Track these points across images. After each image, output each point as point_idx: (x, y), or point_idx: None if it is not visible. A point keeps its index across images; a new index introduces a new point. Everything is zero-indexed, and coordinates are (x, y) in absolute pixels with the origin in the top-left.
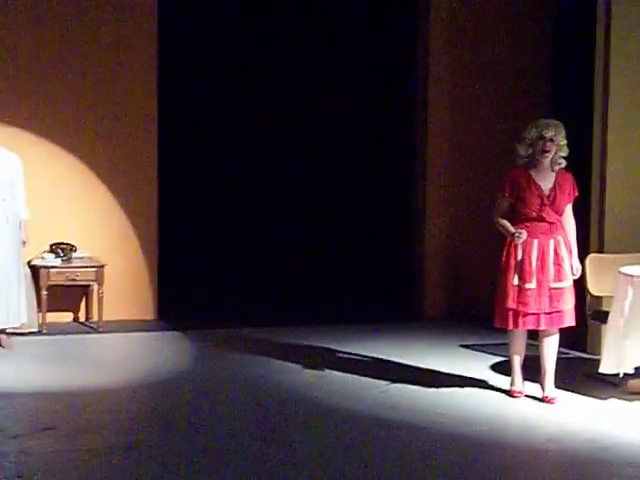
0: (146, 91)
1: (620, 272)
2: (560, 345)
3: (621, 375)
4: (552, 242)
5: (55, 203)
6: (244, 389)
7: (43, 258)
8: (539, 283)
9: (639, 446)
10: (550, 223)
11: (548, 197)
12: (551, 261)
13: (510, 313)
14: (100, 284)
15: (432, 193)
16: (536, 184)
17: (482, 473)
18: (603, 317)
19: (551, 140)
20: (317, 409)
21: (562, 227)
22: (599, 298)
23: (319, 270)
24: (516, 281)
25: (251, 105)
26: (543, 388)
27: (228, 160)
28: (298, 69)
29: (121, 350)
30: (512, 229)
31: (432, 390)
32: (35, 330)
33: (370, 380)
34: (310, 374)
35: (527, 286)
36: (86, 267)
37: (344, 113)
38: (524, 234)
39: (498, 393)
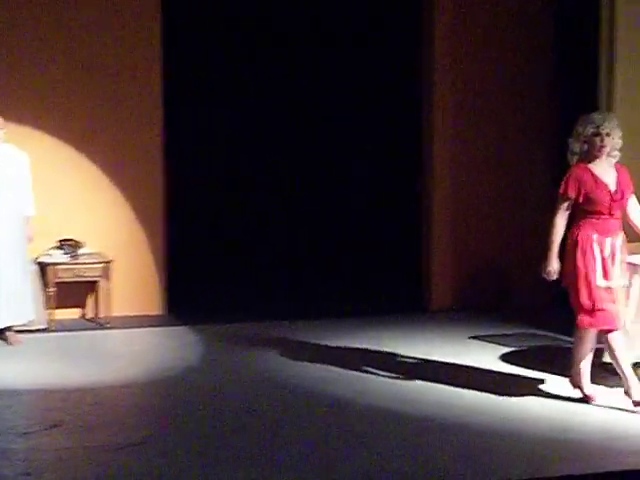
0: (150, 84)
1: None
2: None
3: None
4: (619, 240)
5: (61, 199)
6: (253, 384)
7: (50, 255)
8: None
9: None
10: (618, 219)
11: (615, 193)
12: (619, 260)
13: (600, 313)
14: (108, 280)
15: (439, 186)
16: (601, 181)
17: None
18: None
19: (607, 135)
20: (326, 403)
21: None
22: None
23: (325, 265)
24: (599, 281)
25: (258, 97)
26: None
27: (237, 151)
28: (304, 72)
29: (130, 346)
30: (554, 261)
31: (442, 382)
32: (43, 327)
33: (378, 373)
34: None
35: (608, 284)
36: (93, 263)
37: (354, 114)
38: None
39: (509, 383)
